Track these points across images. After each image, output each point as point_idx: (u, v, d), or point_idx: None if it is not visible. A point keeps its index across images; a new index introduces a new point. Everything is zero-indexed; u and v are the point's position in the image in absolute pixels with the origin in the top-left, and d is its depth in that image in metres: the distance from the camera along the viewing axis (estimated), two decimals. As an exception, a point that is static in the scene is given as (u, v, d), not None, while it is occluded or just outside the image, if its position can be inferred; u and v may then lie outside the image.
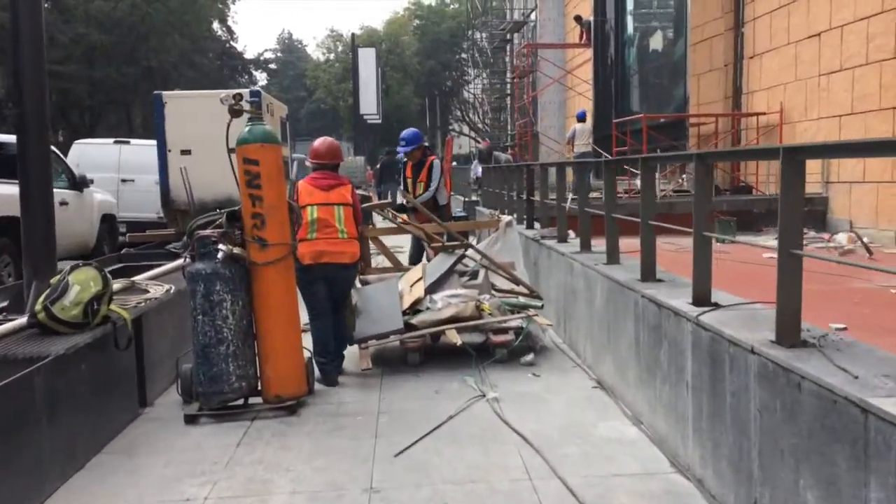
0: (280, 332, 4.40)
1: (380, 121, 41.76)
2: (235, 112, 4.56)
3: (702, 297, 3.94)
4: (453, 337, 5.91)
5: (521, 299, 6.74)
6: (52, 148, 10.01)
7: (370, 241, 7.11)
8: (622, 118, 15.44)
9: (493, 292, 6.73)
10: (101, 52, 31.31)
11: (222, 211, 4.67)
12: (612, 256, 5.78)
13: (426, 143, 8.99)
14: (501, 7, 35.34)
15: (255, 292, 4.49)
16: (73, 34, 29.63)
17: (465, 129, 60.96)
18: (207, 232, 4.31)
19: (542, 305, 6.71)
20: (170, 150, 8.66)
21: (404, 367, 6.13)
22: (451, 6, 65.73)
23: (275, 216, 4.48)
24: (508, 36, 30.72)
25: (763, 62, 13.11)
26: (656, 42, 17.19)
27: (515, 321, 6.27)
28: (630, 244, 6.21)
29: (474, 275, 6.87)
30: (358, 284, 6.66)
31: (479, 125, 49.64)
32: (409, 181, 8.83)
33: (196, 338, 4.25)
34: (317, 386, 5.49)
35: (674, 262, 5.38)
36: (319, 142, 6.17)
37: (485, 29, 41.35)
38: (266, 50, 68.72)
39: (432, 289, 6.42)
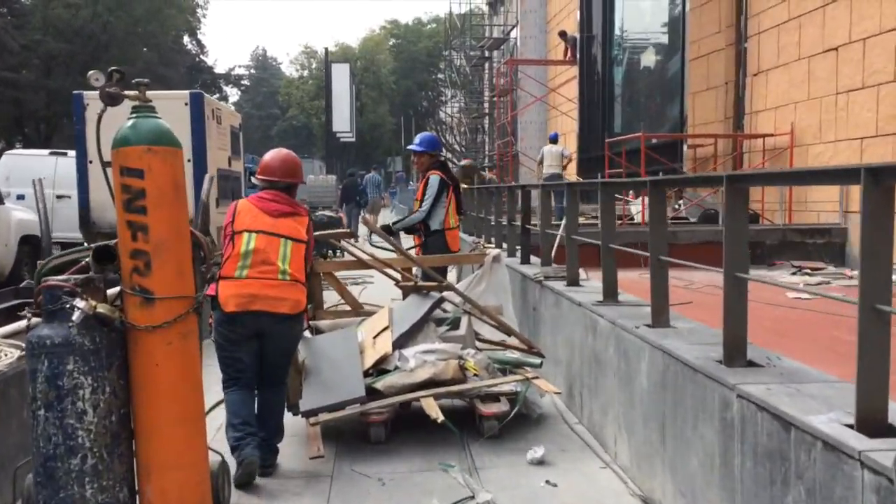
0: (170, 432, 2.82)
1: (353, 139, 40.47)
2: (111, 98, 3.12)
3: (873, 418, 2.20)
4: (431, 409, 4.53)
5: (515, 354, 5.39)
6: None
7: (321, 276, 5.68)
8: (613, 138, 14.22)
9: (479, 345, 5.37)
10: (59, 62, 29.68)
11: (90, 246, 3.22)
12: (660, 315, 3.93)
13: (441, 156, 7.58)
14: (480, 25, 34.31)
15: (134, 372, 2.88)
16: (28, 41, 27.97)
17: (442, 151, 60.08)
18: (59, 279, 2.82)
19: (542, 363, 5.34)
20: (90, 162, 7.23)
21: (365, 447, 4.72)
22: (429, 26, 65.09)
23: (167, 256, 2.91)
24: (487, 53, 29.64)
25: (769, 79, 11.99)
26: (648, 59, 16.08)
27: (509, 385, 4.92)
28: (634, 281, 5.32)
29: (455, 323, 5.47)
30: (307, 334, 5.27)
31: (456, 147, 48.74)
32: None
33: (36, 444, 2.72)
34: (235, 498, 3.81)
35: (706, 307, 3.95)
36: (272, 154, 4.67)
37: (462, 49, 40.48)
38: (238, 66, 67.12)
39: (402, 341, 5.03)
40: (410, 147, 7.36)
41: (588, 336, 4.91)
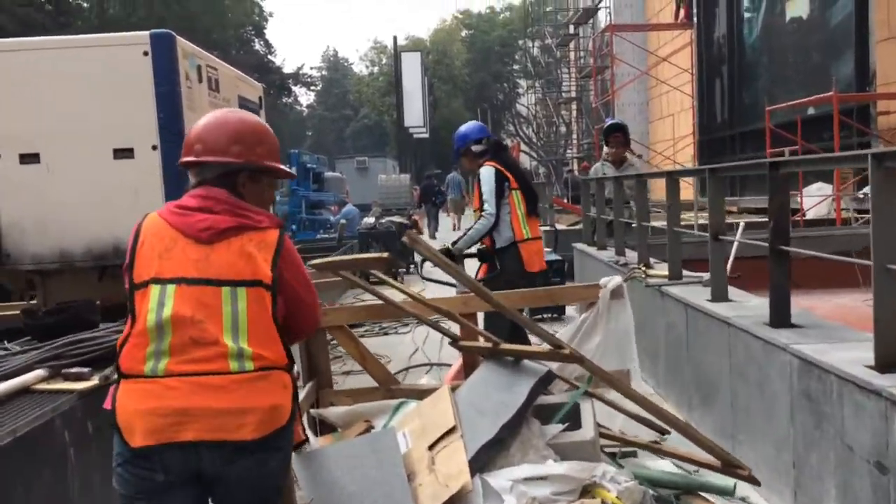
0: None
1: (427, 135, 37.70)
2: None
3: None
4: None
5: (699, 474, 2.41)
6: None
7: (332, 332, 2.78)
8: (775, 106, 10.76)
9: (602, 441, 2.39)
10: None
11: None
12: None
13: (481, 145, 4.86)
14: (563, 2, 31.06)
15: None
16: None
17: (520, 145, 57.22)
18: None
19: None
20: (-2, 156, 4.54)
21: None
22: (502, 15, 62.38)
23: None
24: (574, 29, 26.36)
25: None
26: (797, 6, 12.57)
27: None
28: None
29: (571, 414, 2.50)
30: (314, 441, 2.68)
31: (534, 139, 45.74)
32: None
33: None
34: None
35: None
36: (203, 119, 2.35)
37: (539, 37, 37.28)
38: (307, 66, 65.71)
39: (485, 458, 2.21)
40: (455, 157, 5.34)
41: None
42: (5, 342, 4.03)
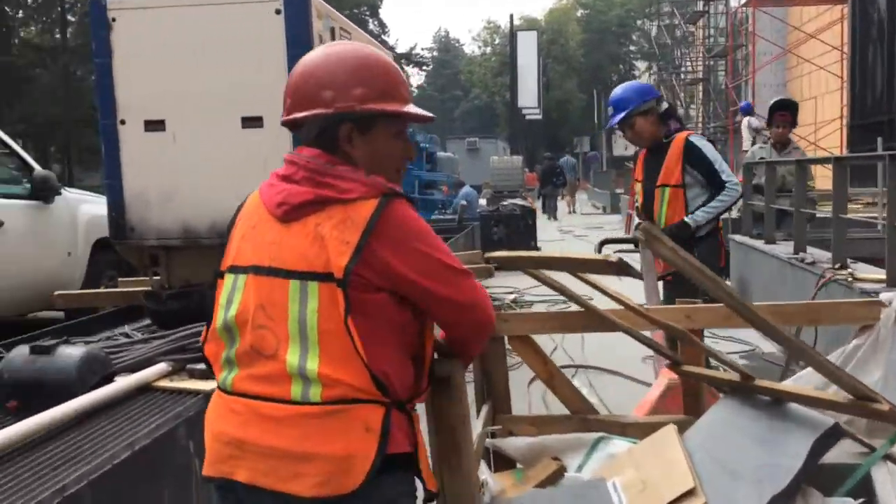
0: None
1: (540, 116, 36.71)
2: None
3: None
4: None
5: None
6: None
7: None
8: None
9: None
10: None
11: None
12: None
13: (665, 103, 4.05)
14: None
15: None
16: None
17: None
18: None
19: None
20: (123, 123, 4.12)
21: None
22: (620, -7, 60.44)
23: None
24: (703, 6, 24.83)
25: None
26: None
27: None
28: None
29: (859, 486, 1.76)
30: (490, 482, 2.03)
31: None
32: (640, 189, 4.03)
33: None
34: None
35: None
36: (297, 64, 1.71)
37: (658, 16, 35.50)
38: (419, 46, 65.66)
39: None
40: (613, 121, 4.00)
41: None
42: (126, 327, 3.68)
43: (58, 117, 24.94)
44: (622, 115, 3.86)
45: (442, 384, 1.66)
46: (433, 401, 1.68)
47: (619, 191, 22.61)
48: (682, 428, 2.00)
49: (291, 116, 1.66)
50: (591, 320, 2.10)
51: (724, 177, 3.73)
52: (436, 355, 1.69)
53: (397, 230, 1.54)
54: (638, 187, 4.10)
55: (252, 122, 4.12)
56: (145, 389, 2.79)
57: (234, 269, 1.64)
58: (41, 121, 24.42)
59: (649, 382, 4.90)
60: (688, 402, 2.18)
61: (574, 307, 2.18)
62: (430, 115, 1.79)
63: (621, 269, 1.56)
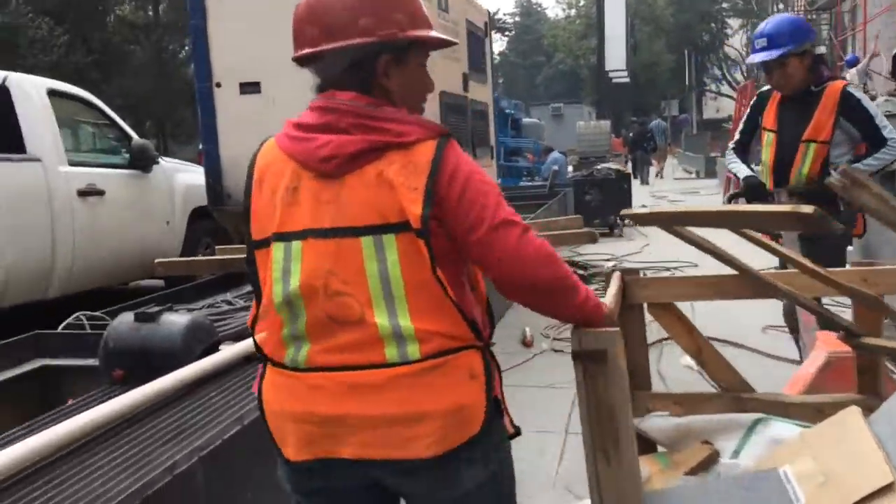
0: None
1: (628, 79, 35.58)
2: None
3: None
4: None
5: None
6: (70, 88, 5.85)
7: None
8: None
9: None
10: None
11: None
12: None
13: (817, 49, 3.63)
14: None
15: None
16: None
17: (725, 89, 53.25)
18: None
19: None
20: (218, 86, 4.01)
21: None
22: (713, -53, 57.90)
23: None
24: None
25: None
26: None
27: None
28: None
29: None
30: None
31: (743, 83, 42.18)
32: (772, 141, 3.59)
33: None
34: None
35: None
36: None
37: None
38: (501, 12, 64.71)
39: None
40: (758, 58, 3.50)
41: None
42: (228, 294, 3.60)
43: (152, 92, 25.65)
44: (779, 52, 3.41)
45: (594, 359, 1.43)
46: (584, 379, 1.45)
47: (714, 154, 21.71)
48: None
49: (319, 48, 1.49)
50: (746, 285, 1.82)
51: (885, 132, 3.31)
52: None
53: (459, 172, 1.44)
54: (768, 138, 3.68)
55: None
56: (251, 359, 2.68)
57: (283, 237, 1.47)
58: (136, 95, 25.16)
59: (777, 356, 4.55)
60: (863, 380, 1.88)
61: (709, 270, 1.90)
62: (455, 39, 1.72)
63: (819, 222, 1.28)
